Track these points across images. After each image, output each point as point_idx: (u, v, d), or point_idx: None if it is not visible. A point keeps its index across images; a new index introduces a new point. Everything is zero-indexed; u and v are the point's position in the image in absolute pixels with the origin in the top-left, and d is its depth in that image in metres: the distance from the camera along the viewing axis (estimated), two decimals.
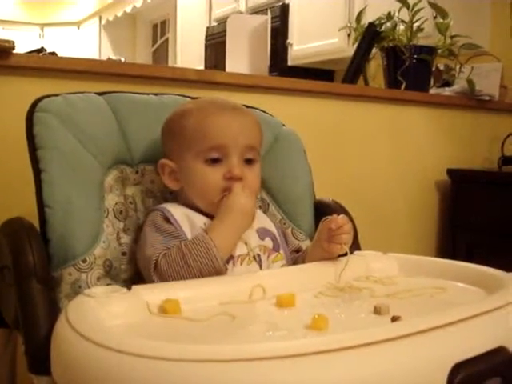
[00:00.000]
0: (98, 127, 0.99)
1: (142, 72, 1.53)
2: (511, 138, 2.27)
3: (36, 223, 0.88)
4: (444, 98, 2.25)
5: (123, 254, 0.95)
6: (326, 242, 0.94)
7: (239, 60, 1.86)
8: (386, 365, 0.57)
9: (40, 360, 0.75)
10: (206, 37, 4.10)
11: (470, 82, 2.25)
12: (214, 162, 0.94)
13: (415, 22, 2.15)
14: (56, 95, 0.98)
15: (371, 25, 2.10)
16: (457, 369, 0.60)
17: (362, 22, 2.23)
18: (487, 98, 2.31)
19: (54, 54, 1.56)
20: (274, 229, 1.03)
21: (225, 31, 3.78)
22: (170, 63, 5.14)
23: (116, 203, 0.97)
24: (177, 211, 0.95)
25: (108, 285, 0.90)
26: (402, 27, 2.21)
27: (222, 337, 0.68)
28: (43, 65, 1.35)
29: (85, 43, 6.32)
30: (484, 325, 0.67)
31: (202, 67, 4.11)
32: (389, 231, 2.10)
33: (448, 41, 2.21)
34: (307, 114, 1.86)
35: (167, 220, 0.93)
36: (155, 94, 1.13)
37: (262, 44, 1.91)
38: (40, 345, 0.75)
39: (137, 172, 1.05)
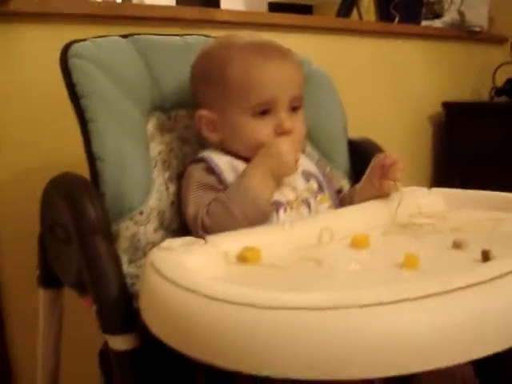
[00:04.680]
0: (131, 72, 0.93)
1: (143, 13, 1.45)
2: (501, 68, 2.28)
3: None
4: (436, 31, 2.23)
5: (172, 203, 0.92)
6: (378, 179, 0.92)
7: None
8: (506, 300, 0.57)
9: (115, 319, 0.73)
10: None
11: (461, 13, 2.24)
12: (263, 114, 0.88)
13: None
14: (83, 40, 0.92)
15: None
16: None
17: None
18: (477, 29, 2.30)
19: None
20: (315, 170, 1.01)
21: None
22: None
23: (159, 152, 0.93)
24: (221, 160, 0.91)
25: (163, 236, 0.87)
26: None
27: (317, 283, 0.66)
28: (46, 10, 1.26)
29: None
30: None
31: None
32: None
33: None
34: (303, 50, 1.81)
35: (210, 170, 0.89)
36: (177, 35, 1.07)
37: None
38: (114, 304, 0.73)
39: (169, 118, 1.00)
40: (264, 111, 0.89)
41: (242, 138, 0.90)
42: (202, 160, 0.90)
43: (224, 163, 0.90)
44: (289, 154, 0.85)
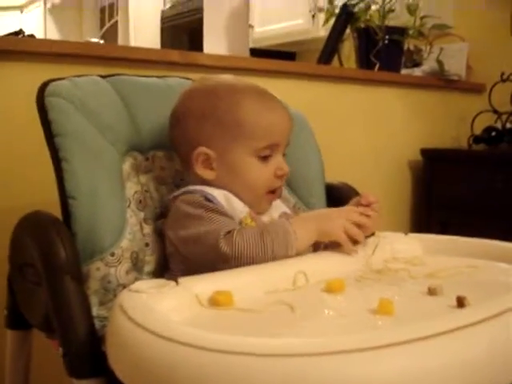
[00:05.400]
0: (109, 112, 0.93)
1: (126, 54, 1.47)
2: (480, 117, 2.32)
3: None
4: (416, 79, 2.27)
5: (146, 245, 0.90)
6: None
7: (217, 41, 1.81)
8: (479, 347, 0.56)
9: (82, 363, 0.71)
10: (162, 20, 3.98)
11: (439, 62, 2.28)
12: (265, 157, 0.91)
13: (387, 2, 2.16)
14: (61, 79, 0.92)
15: (346, 6, 2.09)
16: None
17: (335, 3, 2.21)
18: (456, 78, 2.35)
19: (32, 36, 1.47)
20: (290, 213, 1.01)
21: (179, 14, 3.71)
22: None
23: (135, 192, 0.92)
24: (217, 192, 0.90)
25: (136, 278, 0.85)
26: (373, 7, 2.21)
27: (290, 328, 0.65)
28: (27, 48, 1.26)
29: (29, 28, 6.02)
30: None
31: None
32: None
33: (418, 22, 2.23)
34: (283, 95, 1.83)
35: (208, 200, 0.88)
36: (158, 77, 1.08)
37: (241, 24, 1.86)
38: (81, 347, 0.71)
39: (147, 159, 0.99)
40: (267, 154, 0.91)
41: (244, 178, 0.91)
42: (195, 192, 0.89)
43: (218, 194, 0.90)
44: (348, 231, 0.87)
